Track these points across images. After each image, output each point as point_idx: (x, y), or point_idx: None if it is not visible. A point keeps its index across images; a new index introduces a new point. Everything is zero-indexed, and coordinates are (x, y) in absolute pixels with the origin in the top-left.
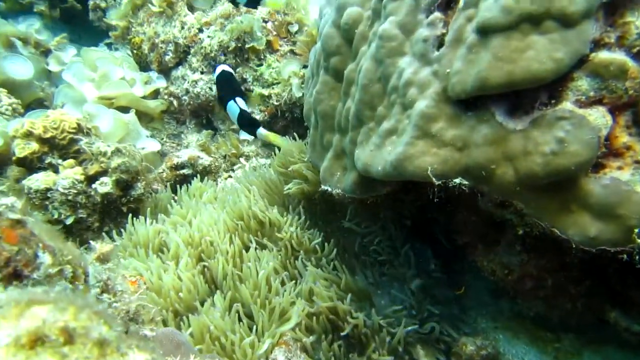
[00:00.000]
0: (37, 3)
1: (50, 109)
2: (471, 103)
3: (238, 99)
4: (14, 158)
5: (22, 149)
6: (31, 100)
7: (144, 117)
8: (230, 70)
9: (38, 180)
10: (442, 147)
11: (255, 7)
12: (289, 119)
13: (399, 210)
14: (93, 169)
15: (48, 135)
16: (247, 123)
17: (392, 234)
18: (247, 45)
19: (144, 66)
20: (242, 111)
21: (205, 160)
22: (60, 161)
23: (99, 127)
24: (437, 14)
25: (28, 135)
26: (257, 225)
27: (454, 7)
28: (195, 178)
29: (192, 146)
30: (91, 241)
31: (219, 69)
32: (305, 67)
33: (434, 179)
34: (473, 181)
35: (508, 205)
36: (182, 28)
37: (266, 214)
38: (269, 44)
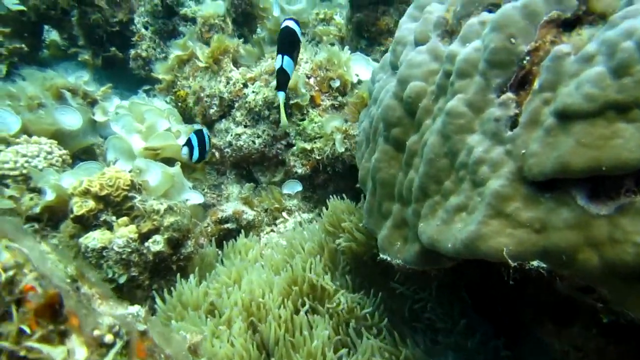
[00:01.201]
0: (82, 52)
1: (95, 158)
2: (548, 185)
3: (285, 57)
4: (71, 216)
5: (80, 207)
6: (78, 150)
7: (187, 168)
8: (294, 27)
9: (95, 239)
10: (518, 227)
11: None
12: (330, 172)
13: (457, 280)
14: (146, 226)
15: (104, 193)
16: (278, 80)
17: (447, 301)
18: (291, 102)
19: (188, 118)
20: (281, 67)
21: (250, 214)
22: (114, 218)
23: (149, 181)
24: (509, 95)
25: (85, 193)
26: (308, 288)
27: (527, 89)
28: (239, 233)
29: (233, 197)
30: (185, 334)
31: (284, 23)
32: (346, 121)
33: (509, 260)
34: (552, 265)
35: (591, 291)
36: (228, 83)
37: (320, 279)
38: (311, 98)
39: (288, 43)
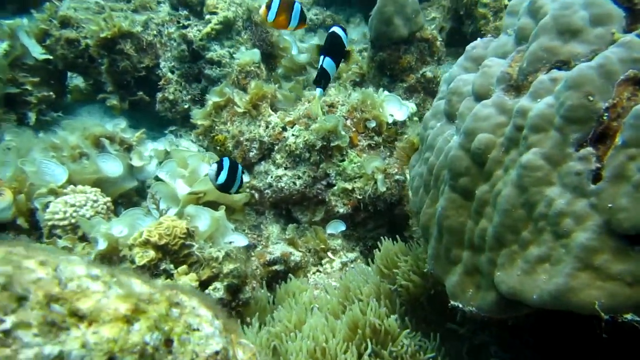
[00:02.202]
0: (109, 97)
1: (132, 201)
2: (638, 238)
3: (327, 58)
4: (133, 266)
5: (142, 257)
6: (117, 196)
7: (227, 210)
8: (340, 33)
9: None
10: (609, 280)
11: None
12: (372, 211)
13: (521, 322)
14: (205, 273)
15: (162, 242)
16: (317, 75)
17: (510, 344)
18: (332, 144)
19: None
20: (322, 67)
21: (297, 256)
22: (172, 266)
23: (199, 226)
24: (589, 149)
25: (145, 243)
26: (370, 332)
27: (607, 144)
28: (287, 274)
29: (273, 237)
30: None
31: (332, 29)
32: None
33: (602, 314)
34: None
35: None
36: (267, 127)
37: (384, 322)
38: (349, 139)
39: (330, 45)
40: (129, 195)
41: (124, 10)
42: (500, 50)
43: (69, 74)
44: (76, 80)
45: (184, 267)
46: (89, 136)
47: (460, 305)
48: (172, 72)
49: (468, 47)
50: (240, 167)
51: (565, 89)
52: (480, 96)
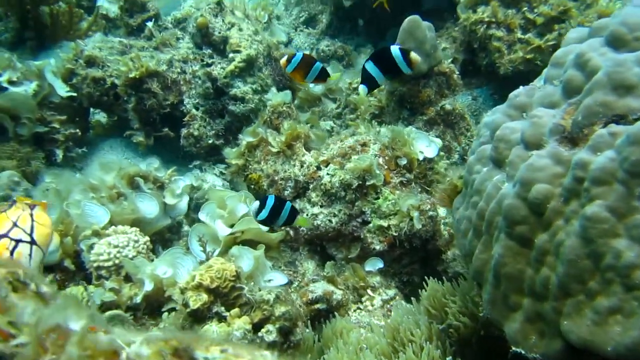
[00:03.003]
0: (135, 134)
1: (165, 239)
2: None
3: (371, 63)
4: (187, 310)
5: (195, 301)
6: (152, 234)
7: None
8: (396, 52)
9: (215, 332)
10: None
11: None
12: (407, 247)
13: None
14: (256, 316)
15: (214, 285)
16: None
17: None
18: (367, 183)
19: None
20: (364, 67)
21: (338, 294)
22: (222, 309)
23: (242, 267)
24: None
25: (198, 287)
26: None
27: None
28: (329, 313)
29: (309, 274)
30: None
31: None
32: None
33: None
34: None
35: None
36: (302, 166)
37: None
38: (383, 177)
39: (381, 52)
40: (161, 233)
41: (146, 49)
42: (547, 100)
43: (91, 109)
44: (98, 116)
45: (237, 310)
46: (124, 176)
47: (523, 352)
48: (197, 109)
49: (511, 95)
50: (289, 203)
51: (628, 144)
52: (530, 145)
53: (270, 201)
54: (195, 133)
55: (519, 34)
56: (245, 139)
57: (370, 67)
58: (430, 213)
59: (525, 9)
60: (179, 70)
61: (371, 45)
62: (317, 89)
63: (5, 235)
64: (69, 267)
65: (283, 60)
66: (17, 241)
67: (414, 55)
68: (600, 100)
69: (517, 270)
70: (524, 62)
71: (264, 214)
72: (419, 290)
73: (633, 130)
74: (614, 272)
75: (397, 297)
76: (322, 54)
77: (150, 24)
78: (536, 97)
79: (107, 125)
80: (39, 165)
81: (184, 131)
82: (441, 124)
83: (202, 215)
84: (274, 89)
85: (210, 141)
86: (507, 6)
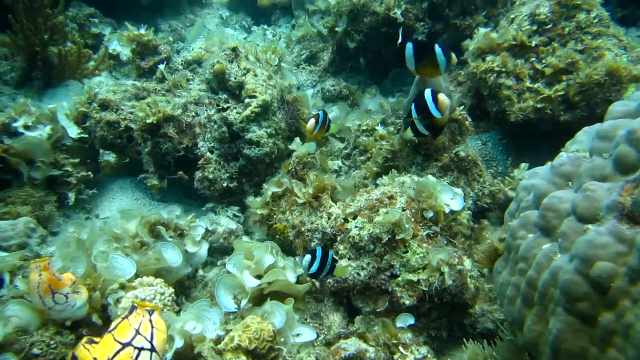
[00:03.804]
0: (149, 177)
1: (185, 287)
2: None
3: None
4: None
5: None
6: (174, 283)
7: (288, 300)
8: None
9: None
10: None
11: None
12: (438, 303)
13: None
14: None
15: (252, 347)
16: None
17: None
18: (397, 237)
19: (287, 250)
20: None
21: (371, 352)
22: None
23: (275, 323)
24: None
25: (237, 349)
26: None
27: None
28: None
29: (335, 327)
30: None
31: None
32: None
33: None
34: None
35: None
36: (329, 218)
37: None
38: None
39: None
40: (181, 281)
41: (158, 91)
42: (597, 173)
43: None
44: (107, 157)
45: None
46: (146, 224)
47: None
48: (212, 152)
49: (555, 163)
50: (331, 254)
51: None
52: (585, 219)
53: (319, 253)
54: (210, 176)
55: (528, 83)
56: (270, 189)
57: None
58: (459, 267)
59: (534, 59)
60: (193, 113)
61: (376, 86)
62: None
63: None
64: (96, 322)
65: (312, 124)
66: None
67: (441, 96)
68: None
69: (580, 348)
70: (534, 111)
71: (315, 267)
72: (463, 355)
73: None
74: None
75: (430, 355)
76: (327, 93)
77: (162, 67)
78: (584, 168)
79: (116, 166)
80: (52, 209)
81: (198, 174)
82: (455, 170)
83: (229, 267)
84: (297, 140)
85: (224, 184)
86: (515, 56)
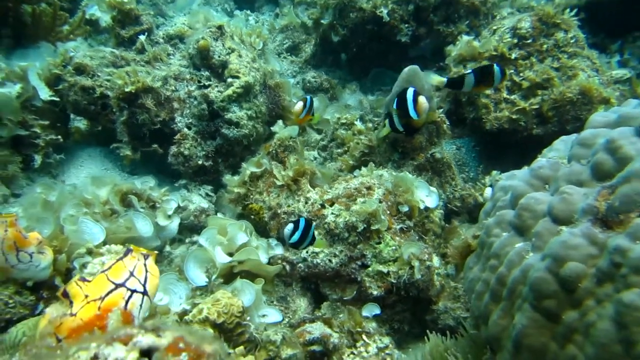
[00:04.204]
0: (122, 147)
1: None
2: None
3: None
4: None
5: None
6: None
7: (258, 280)
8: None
9: None
10: None
11: None
12: (404, 296)
13: None
14: (261, 356)
15: (220, 320)
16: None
17: None
18: (372, 227)
19: (261, 231)
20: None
21: (335, 338)
22: (226, 346)
23: (244, 301)
24: None
25: (204, 321)
26: None
27: None
28: (324, 355)
29: (301, 311)
30: None
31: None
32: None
33: None
34: None
35: None
36: (306, 203)
37: None
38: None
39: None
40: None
41: (137, 62)
42: (575, 177)
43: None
44: (78, 123)
45: (241, 348)
46: (117, 192)
47: None
48: (189, 128)
49: (534, 166)
50: (313, 226)
51: None
52: (559, 220)
53: (302, 223)
54: (186, 152)
55: (505, 94)
56: (249, 168)
57: (394, 114)
58: (428, 263)
59: (512, 71)
60: (173, 88)
61: (356, 82)
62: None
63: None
64: (59, 285)
65: (300, 107)
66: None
67: (421, 98)
68: (639, 191)
69: (541, 343)
70: (509, 121)
71: (296, 236)
72: (424, 345)
73: None
74: None
75: (391, 346)
76: (308, 84)
77: (142, 38)
78: (562, 172)
79: (86, 133)
80: (16, 170)
81: (173, 149)
82: (429, 171)
83: (202, 240)
84: (280, 122)
85: (199, 162)
86: None
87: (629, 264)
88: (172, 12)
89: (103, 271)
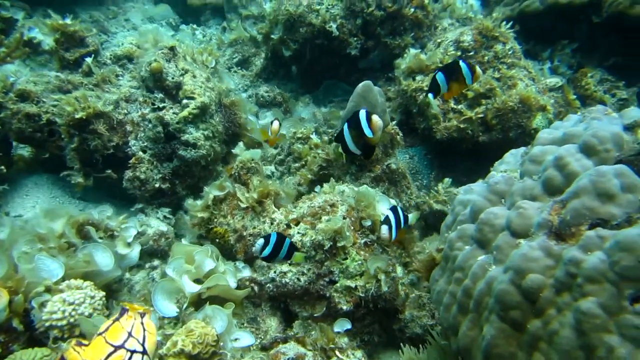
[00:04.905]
0: (74, 175)
1: (112, 291)
2: None
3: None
4: None
5: None
6: (102, 286)
7: (228, 304)
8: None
9: None
10: None
11: None
12: (372, 309)
13: None
14: None
15: (196, 351)
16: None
17: None
18: (339, 244)
19: (227, 254)
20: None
21: (310, 357)
22: None
23: (216, 327)
24: None
25: (179, 353)
26: None
27: None
28: None
29: (272, 331)
30: None
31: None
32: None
33: None
34: None
35: None
36: (272, 224)
37: None
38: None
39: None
40: (109, 284)
41: (85, 85)
42: (528, 192)
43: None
44: (21, 151)
45: None
46: (73, 224)
47: None
48: (144, 152)
49: (491, 182)
50: (288, 240)
51: (618, 250)
52: (517, 234)
53: (273, 238)
54: (142, 176)
55: (452, 104)
56: (212, 192)
57: (347, 137)
58: (393, 274)
59: None
60: (125, 111)
61: (309, 95)
62: (258, 136)
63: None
64: (17, 327)
65: (276, 126)
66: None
67: (375, 117)
68: (587, 205)
69: (509, 353)
70: (457, 130)
71: (267, 250)
72: (379, 350)
73: (622, 238)
74: None
75: (364, 359)
76: (261, 99)
77: (89, 60)
78: (516, 187)
79: (30, 161)
80: None
81: (128, 174)
82: (386, 181)
83: (169, 271)
84: (241, 144)
85: (156, 185)
86: None
87: (583, 274)
88: (114, 28)
89: (100, 334)
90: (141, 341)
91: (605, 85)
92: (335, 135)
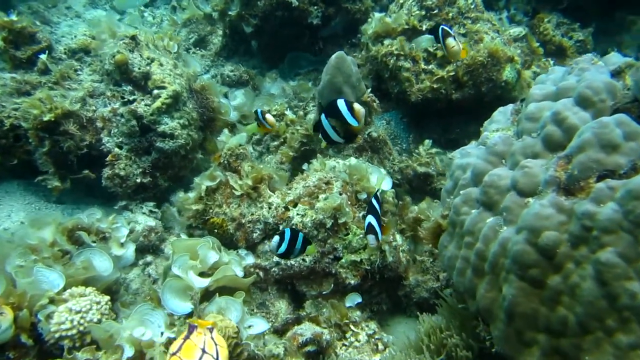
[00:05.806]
0: (49, 179)
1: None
2: None
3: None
4: None
5: None
6: (102, 290)
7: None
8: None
9: None
10: None
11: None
12: (378, 280)
13: None
14: None
15: None
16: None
17: None
18: (339, 221)
19: (227, 244)
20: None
21: (327, 334)
22: None
23: (232, 318)
24: None
25: None
26: None
27: None
28: (318, 354)
29: (282, 314)
30: None
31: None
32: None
33: None
34: None
35: None
36: (270, 208)
37: None
38: None
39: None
40: (109, 286)
41: (44, 84)
42: (529, 150)
43: None
44: None
45: None
46: (63, 231)
47: None
48: (120, 147)
49: (489, 143)
50: (301, 235)
51: (630, 199)
52: (525, 193)
53: (288, 234)
54: (122, 173)
55: (423, 65)
56: (204, 183)
57: (328, 128)
58: (394, 243)
59: None
60: (93, 107)
61: (276, 70)
62: (233, 116)
63: None
64: (25, 342)
65: (273, 119)
66: None
67: (357, 106)
68: (593, 158)
69: (531, 309)
70: (431, 91)
71: (283, 247)
72: (418, 327)
73: (633, 186)
74: (630, 312)
75: (378, 329)
76: (227, 79)
77: (43, 57)
78: (516, 147)
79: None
80: None
81: (107, 171)
82: (369, 150)
83: (175, 269)
84: (225, 131)
85: (138, 180)
86: (409, 40)
87: (598, 226)
88: (56, 18)
89: (174, 353)
90: (215, 356)
91: (562, 29)
92: (313, 125)
